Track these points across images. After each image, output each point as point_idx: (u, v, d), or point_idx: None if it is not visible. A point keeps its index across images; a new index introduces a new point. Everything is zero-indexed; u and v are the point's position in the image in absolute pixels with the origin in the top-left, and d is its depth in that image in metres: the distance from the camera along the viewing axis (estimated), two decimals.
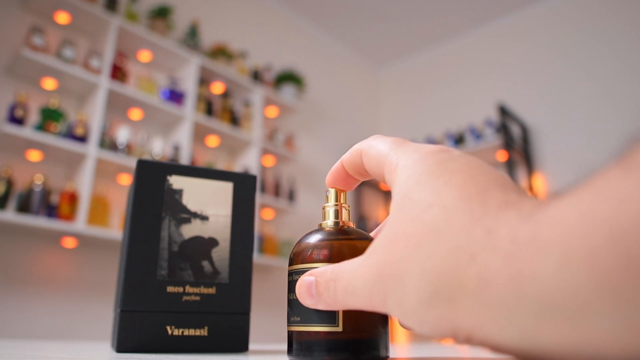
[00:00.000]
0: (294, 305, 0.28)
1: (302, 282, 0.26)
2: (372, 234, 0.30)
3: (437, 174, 0.20)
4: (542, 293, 0.14)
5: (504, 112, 2.85)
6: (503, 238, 0.16)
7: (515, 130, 2.99)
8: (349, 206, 0.32)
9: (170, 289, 0.40)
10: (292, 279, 0.29)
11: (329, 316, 0.26)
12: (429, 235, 0.18)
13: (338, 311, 0.26)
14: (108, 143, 2.07)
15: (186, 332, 0.40)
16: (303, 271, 0.28)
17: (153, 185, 0.42)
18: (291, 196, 2.79)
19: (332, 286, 0.24)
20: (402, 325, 0.22)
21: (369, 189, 3.55)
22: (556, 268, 0.14)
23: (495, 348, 0.17)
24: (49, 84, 2.05)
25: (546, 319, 0.14)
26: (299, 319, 0.27)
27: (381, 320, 0.27)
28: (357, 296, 0.22)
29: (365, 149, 0.27)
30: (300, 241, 0.30)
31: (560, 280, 0.14)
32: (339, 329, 0.26)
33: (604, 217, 0.13)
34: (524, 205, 0.17)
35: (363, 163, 0.27)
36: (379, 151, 0.25)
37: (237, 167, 2.68)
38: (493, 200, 0.18)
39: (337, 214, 0.31)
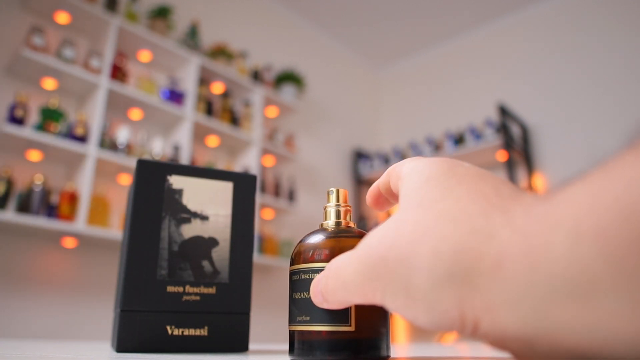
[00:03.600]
0: (301, 304, 0.28)
1: (314, 280, 0.26)
2: None
3: (449, 175, 0.20)
4: (554, 271, 0.14)
5: (504, 112, 2.85)
6: (519, 216, 0.16)
7: (515, 130, 2.99)
8: (350, 206, 0.32)
9: (170, 288, 0.40)
10: (294, 278, 0.29)
11: (341, 316, 0.26)
12: (443, 221, 0.18)
13: (350, 311, 0.26)
14: (108, 143, 2.07)
15: (186, 332, 0.40)
16: (304, 271, 0.28)
17: (153, 185, 0.42)
18: (291, 196, 2.79)
19: (324, 282, 0.24)
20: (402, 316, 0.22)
21: (369, 189, 3.55)
22: (567, 245, 0.14)
23: (501, 338, 0.17)
24: (49, 84, 2.05)
25: (558, 298, 0.14)
26: (308, 318, 0.27)
27: (382, 319, 0.27)
28: (348, 291, 0.22)
29: (391, 169, 0.26)
30: (301, 241, 0.30)
31: (571, 257, 0.14)
32: (352, 328, 0.26)
33: (615, 196, 0.13)
34: (537, 195, 0.17)
35: (390, 183, 0.27)
36: (394, 166, 0.26)
37: (237, 167, 2.68)
38: (507, 192, 0.18)
39: (339, 214, 0.31)
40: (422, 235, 0.18)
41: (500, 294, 0.16)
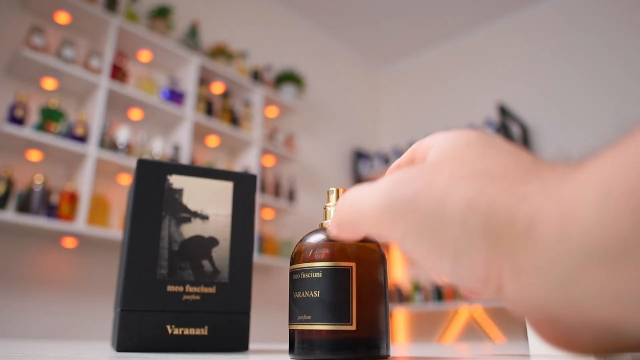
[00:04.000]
0: (301, 303, 0.28)
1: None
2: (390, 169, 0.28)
3: (487, 145, 0.20)
4: (585, 237, 0.14)
5: (504, 112, 2.85)
6: (553, 182, 0.16)
7: (515, 130, 2.99)
8: None
9: (170, 288, 0.40)
10: (294, 278, 0.29)
11: (342, 315, 0.26)
12: (481, 177, 0.18)
13: (351, 310, 0.26)
14: (108, 143, 2.07)
15: (186, 332, 0.40)
16: (304, 270, 0.28)
17: (153, 185, 0.42)
18: (291, 196, 2.79)
19: (339, 209, 0.23)
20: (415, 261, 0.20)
21: None
22: (597, 210, 0.14)
23: (525, 305, 0.16)
24: (49, 84, 2.05)
25: (588, 265, 0.14)
26: (309, 317, 0.27)
27: (383, 319, 0.27)
28: (362, 220, 0.21)
29: (416, 145, 0.25)
30: (302, 240, 0.30)
31: (602, 222, 0.14)
32: (353, 327, 0.26)
33: None
34: (570, 164, 0.17)
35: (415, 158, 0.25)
36: (419, 142, 0.24)
37: (237, 167, 2.68)
38: (543, 162, 0.18)
39: None
40: (459, 185, 0.18)
41: (530, 260, 0.15)
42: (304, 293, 0.28)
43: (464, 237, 0.17)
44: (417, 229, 0.18)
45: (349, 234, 0.23)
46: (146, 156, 2.19)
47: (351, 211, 0.22)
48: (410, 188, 0.19)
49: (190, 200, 0.43)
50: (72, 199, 1.89)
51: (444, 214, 0.17)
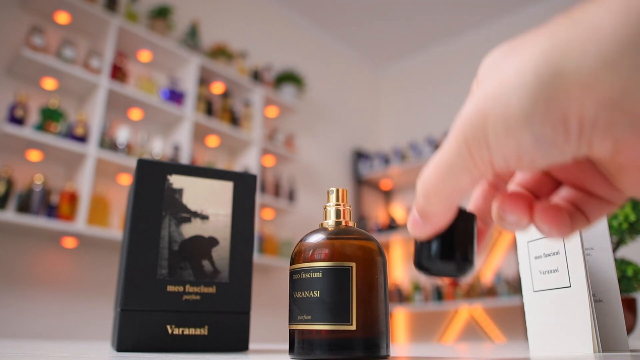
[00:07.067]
0: (302, 303, 0.28)
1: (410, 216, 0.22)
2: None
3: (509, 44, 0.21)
4: None
5: None
6: (576, 12, 0.17)
7: None
8: (349, 206, 0.32)
9: (170, 288, 0.40)
10: (294, 277, 0.29)
11: (342, 315, 0.26)
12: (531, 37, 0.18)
13: (351, 309, 0.26)
14: (108, 143, 2.07)
15: (186, 332, 0.40)
16: (305, 270, 0.28)
17: (153, 185, 0.42)
18: (291, 196, 2.79)
19: (418, 191, 0.21)
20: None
21: (368, 188, 3.55)
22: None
23: (611, 120, 0.15)
24: (49, 84, 2.05)
25: None
26: (309, 317, 0.27)
27: (383, 319, 0.27)
28: (450, 168, 0.19)
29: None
30: (302, 240, 0.30)
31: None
32: (352, 327, 0.26)
33: None
34: None
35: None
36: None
37: (237, 167, 2.68)
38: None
39: (339, 213, 0.31)
40: (525, 46, 0.18)
41: (589, 60, 0.15)
42: (304, 293, 0.28)
43: (529, 105, 0.17)
44: (494, 127, 0.18)
45: (442, 208, 0.20)
46: (146, 156, 2.19)
47: (431, 177, 0.20)
48: (473, 113, 0.20)
49: (190, 200, 0.43)
50: (72, 199, 1.89)
51: (502, 103, 0.18)
